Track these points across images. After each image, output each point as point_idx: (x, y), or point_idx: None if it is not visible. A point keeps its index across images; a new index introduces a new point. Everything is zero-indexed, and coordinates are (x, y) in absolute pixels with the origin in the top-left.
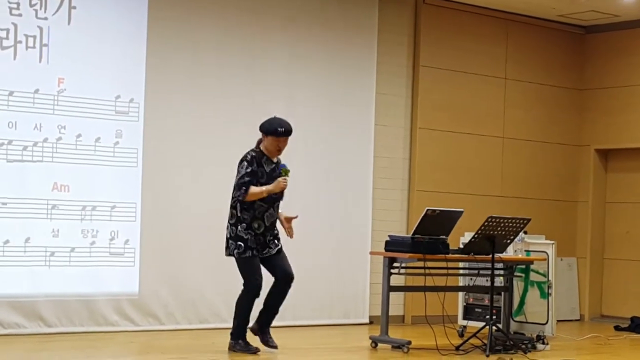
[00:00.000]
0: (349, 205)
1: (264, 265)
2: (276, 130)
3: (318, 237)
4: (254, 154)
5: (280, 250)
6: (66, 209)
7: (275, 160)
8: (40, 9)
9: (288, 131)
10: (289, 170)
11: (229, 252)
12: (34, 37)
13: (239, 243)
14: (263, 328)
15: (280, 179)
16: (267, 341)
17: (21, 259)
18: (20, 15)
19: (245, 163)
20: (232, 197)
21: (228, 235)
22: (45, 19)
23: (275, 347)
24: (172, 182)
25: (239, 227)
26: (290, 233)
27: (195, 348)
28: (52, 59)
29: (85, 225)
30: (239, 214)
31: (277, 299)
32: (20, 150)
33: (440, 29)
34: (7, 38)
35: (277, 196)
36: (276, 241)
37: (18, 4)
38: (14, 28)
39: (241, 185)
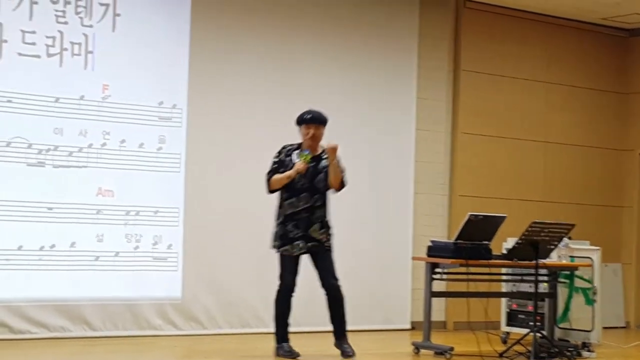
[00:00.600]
0: (390, 211)
1: (313, 264)
2: (302, 117)
3: (359, 242)
4: (288, 145)
5: (317, 257)
6: (110, 214)
7: (315, 153)
8: (86, 16)
9: (315, 118)
10: (308, 155)
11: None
12: (80, 44)
13: (273, 237)
14: (336, 336)
15: (297, 162)
16: (340, 347)
17: (66, 263)
18: (66, 23)
19: (275, 154)
20: None
21: None
22: (91, 26)
23: (349, 355)
24: (215, 187)
25: (276, 221)
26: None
27: (238, 352)
28: (97, 65)
29: (129, 230)
30: (277, 209)
31: (333, 310)
32: (66, 155)
33: (481, 32)
34: (53, 45)
35: (303, 186)
36: (301, 243)
37: (64, 12)
38: (60, 36)
39: (268, 172)
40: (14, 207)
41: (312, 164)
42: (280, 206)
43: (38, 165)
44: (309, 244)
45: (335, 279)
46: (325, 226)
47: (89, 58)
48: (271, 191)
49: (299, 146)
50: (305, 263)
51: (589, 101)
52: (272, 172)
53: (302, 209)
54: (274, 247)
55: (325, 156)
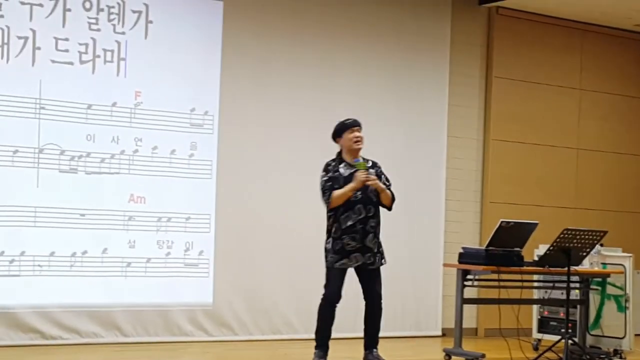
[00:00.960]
0: (421, 217)
1: (359, 280)
2: (344, 123)
3: (391, 248)
4: (330, 161)
5: (368, 270)
6: (142, 220)
7: (358, 159)
8: (118, 23)
9: (356, 120)
10: (364, 163)
11: None
12: (112, 51)
13: (325, 253)
14: (369, 347)
15: (357, 173)
16: (370, 355)
17: (98, 269)
18: (99, 30)
19: (323, 173)
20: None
21: None
22: (123, 33)
23: None
24: (246, 194)
25: (331, 236)
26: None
27: (269, 359)
28: (129, 72)
29: (160, 236)
30: (327, 224)
31: (369, 320)
32: (98, 162)
33: (514, 39)
34: (86, 52)
35: (357, 198)
36: (359, 255)
37: (97, 19)
38: (93, 43)
39: (324, 192)
40: (46, 213)
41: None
42: (335, 221)
43: (70, 171)
44: (365, 256)
45: (380, 293)
46: (376, 236)
47: (121, 65)
48: (332, 208)
49: (340, 159)
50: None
51: (621, 108)
52: (328, 190)
53: (357, 221)
54: (331, 262)
55: (370, 164)
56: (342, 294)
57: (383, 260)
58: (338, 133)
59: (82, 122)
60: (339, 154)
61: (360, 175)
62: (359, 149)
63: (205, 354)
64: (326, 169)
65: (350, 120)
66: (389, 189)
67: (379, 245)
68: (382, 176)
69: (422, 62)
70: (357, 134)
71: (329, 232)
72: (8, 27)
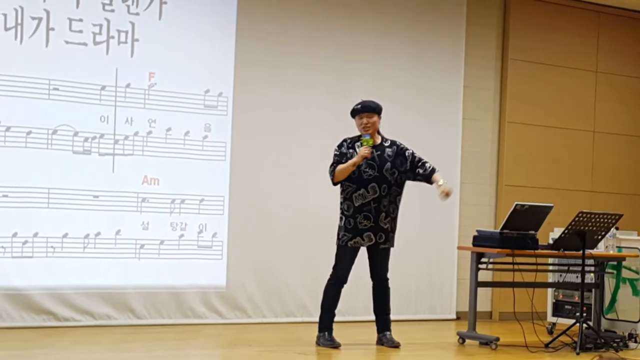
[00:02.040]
0: (436, 200)
1: (368, 258)
2: (354, 109)
3: (404, 231)
4: (348, 138)
5: (379, 250)
6: (156, 202)
7: (377, 141)
8: (132, 4)
9: (365, 106)
10: (370, 140)
11: None
12: (126, 32)
13: (338, 231)
14: (382, 329)
15: (361, 148)
16: (384, 338)
17: (112, 251)
18: (112, 11)
19: (336, 147)
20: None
21: None
22: (137, 14)
23: (395, 345)
24: (260, 176)
25: (344, 214)
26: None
27: (282, 341)
28: (143, 53)
29: (174, 218)
30: (340, 203)
31: (379, 304)
32: (112, 143)
33: (530, 21)
34: (100, 33)
35: (370, 177)
36: (372, 234)
37: (111, 0)
38: (107, 24)
39: (331, 165)
40: (59, 194)
41: (377, 152)
42: (348, 199)
43: (84, 153)
44: (377, 235)
45: (386, 274)
46: (389, 215)
47: (135, 46)
48: (336, 183)
49: (358, 138)
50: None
51: (638, 90)
52: (335, 165)
53: (370, 200)
54: (343, 240)
55: (388, 143)
56: (349, 276)
57: (392, 235)
58: (352, 115)
59: (95, 104)
60: (359, 135)
61: (362, 150)
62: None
63: (218, 336)
64: (340, 146)
65: (359, 106)
66: (415, 156)
67: (394, 225)
68: (407, 152)
69: (438, 44)
70: (365, 120)
71: (341, 209)
72: (22, 7)
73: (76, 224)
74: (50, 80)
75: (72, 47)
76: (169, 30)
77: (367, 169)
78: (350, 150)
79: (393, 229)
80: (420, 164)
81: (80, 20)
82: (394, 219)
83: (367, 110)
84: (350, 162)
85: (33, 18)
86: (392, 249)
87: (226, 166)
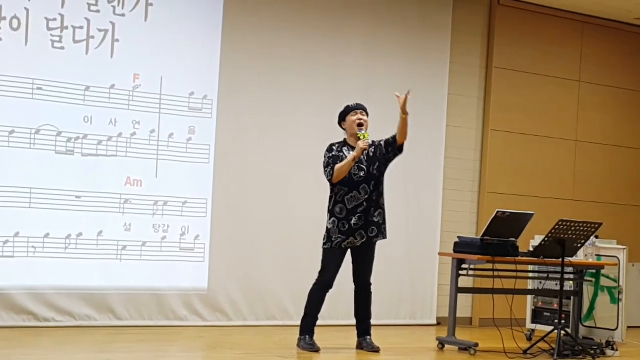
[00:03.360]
0: (418, 206)
1: (353, 262)
2: (348, 106)
3: (387, 236)
4: (334, 143)
5: (367, 250)
6: (138, 204)
7: (362, 130)
8: (118, 5)
9: (360, 105)
10: (366, 133)
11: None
12: (111, 33)
13: (325, 233)
14: (362, 334)
15: (359, 142)
16: (364, 342)
17: (94, 252)
18: (98, 11)
19: (326, 152)
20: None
21: None
22: (123, 15)
23: (375, 349)
24: (244, 179)
25: (328, 217)
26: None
27: (263, 345)
28: (128, 55)
29: (156, 220)
30: (328, 205)
31: (360, 309)
32: (95, 144)
33: (515, 30)
34: (85, 33)
35: (361, 178)
36: (363, 232)
37: (97, 0)
38: (92, 23)
39: (327, 167)
40: (41, 195)
41: (363, 156)
42: (340, 202)
43: (67, 153)
44: (369, 230)
45: (370, 278)
46: (380, 207)
47: (120, 47)
48: (335, 182)
49: (345, 142)
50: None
51: (621, 100)
52: (331, 165)
53: (363, 200)
54: (336, 243)
55: (370, 142)
56: (335, 279)
57: (383, 227)
58: (342, 117)
59: (79, 104)
60: (344, 140)
61: (362, 144)
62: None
63: (199, 338)
64: (330, 149)
65: (354, 104)
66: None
67: (384, 217)
68: (380, 142)
69: (423, 51)
70: (359, 116)
71: (330, 212)
72: (1, 5)
73: (58, 224)
74: (33, 79)
75: (56, 47)
76: (154, 31)
77: (358, 172)
78: (341, 154)
79: (384, 220)
80: (386, 140)
81: (65, 19)
82: (384, 210)
83: (361, 108)
84: (349, 157)
85: (14, 17)
86: (375, 253)
87: (210, 169)
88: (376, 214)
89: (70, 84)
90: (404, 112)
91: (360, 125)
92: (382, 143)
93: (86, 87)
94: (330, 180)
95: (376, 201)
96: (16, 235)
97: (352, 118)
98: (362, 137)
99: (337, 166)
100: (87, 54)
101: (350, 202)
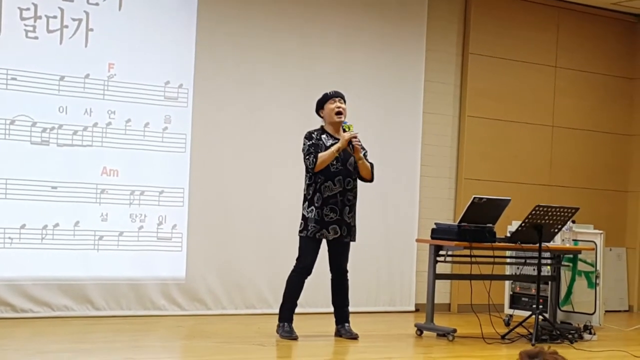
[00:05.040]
0: (396, 193)
1: (328, 251)
2: (326, 94)
3: (365, 224)
4: (312, 130)
5: (342, 243)
6: (115, 194)
7: (338, 135)
8: None
9: (338, 92)
10: (351, 125)
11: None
12: (85, 22)
13: (301, 221)
14: (340, 322)
15: (344, 133)
16: (342, 330)
17: (70, 242)
18: (72, 1)
19: (305, 140)
20: (305, 175)
21: None
22: (97, 4)
23: (354, 337)
24: (220, 168)
25: (304, 205)
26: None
27: (241, 333)
28: (102, 44)
29: (133, 209)
30: (304, 192)
31: (338, 296)
32: (71, 134)
33: (490, 16)
34: (57, 22)
35: (337, 169)
36: (337, 227)
37: None
38: (65, 13)
39: (309, 155)
40: (17, 185)
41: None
42: (317, 190)
43: (42, 143)
44: (342, 229)
45: (346, 266)
46: (352, 209)
47: (94, 36)
48: (316, 171)
49: (323, 130)
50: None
51: (597, 86)
52: (313, 153)
53: (337, 192)
54: (310, 231)
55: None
56: (314, 266)
57: (354, 230)
58: (321, 104)
59: (54, 94)
60: (322, 127)
61: (348, 135)
62: (340, 121)
63: (177, 327)
64: (309, 136)
65: (332, 91)
66: (366, 158)
67: (355, 220)
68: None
69: (399, 38)
70: (338, 104)
71: (309, 200)
72: None
73: (34, 215)
74: (7, 69)
75: (29, 37)
76: (128, 21)
77: (334, 162)
78: (320, 142)
79: (355, 224)
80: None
81: (37, 8)
82: (355, 214)
83: (339, 95)
84: (333, 148)
85: None
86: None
87: (186, 158)
88: (350, 215)
89: (45, 73)
90: (357, 157)
91: (339, 113)
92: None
93: (61, 77)
94: (312, 169)
95: (351, 201)
96: None
97: (331, 106)
98: (347, 129)
99: (320, 155)
100: (61, 44)
101: (324, 191)
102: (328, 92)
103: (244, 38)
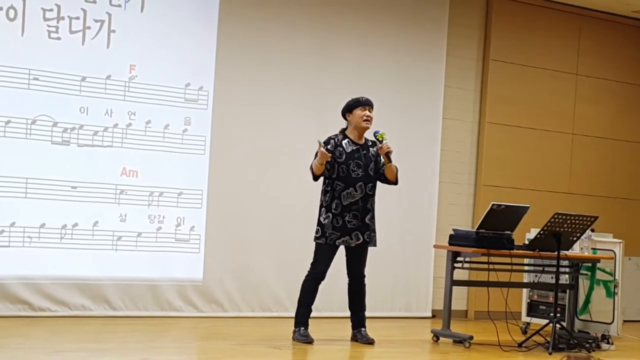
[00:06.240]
0: (414, 198)
1: (346, 256)
2: (359, 100)
3: (383, 229)
4: (333, 135)
5: (362, 249)
6: (134, 194)
7: (362, 141)
8: None
9: (369, 100)
10: (384, 133)
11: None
12: (107, 23)
13: (317, 227)
14: (357, 326)
15: (381, 145)
16: (359, 334)
17: (89, 242)
18: (94, 2)
19: (323, 142)
20: (323, 182)
21: None
22: (119, 6)
23: (370, 341)
24: (239, 170)
25: (320, 211)
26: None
27: (257, 336)
28: (124, 45)
29: (152, 210)
30: (321, 198)
31: (354, 300)
32: (91, 135)
33: (512, 22)
34: (81, 24)
35: (358, 176)
36: (359, 233)
37: None
38: (83, 14)
39: (310, 167)
40: (37, 185)
41: (363, 152)
42: (337, 197)
43: (63, 143)
44: (365, 234)
45: (364, 270)
46: (373, 215)
47: (116, 38)
48: (330, 184)
49: (344, 135)
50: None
51: (617, 94)
52: (311, 166)
53: (359, 198)
54: (328, 238)
55: (370, 144)
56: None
57: (374, 234)
58: (350, 108)
59: (75, 95)
60: (343, 130)
61: (384, 146)
62: (367, 127)
63: (193, 329)
64: (327, 142)
65: (364, 98)
66: (391, 159)
67: (375, 225)
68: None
69: (420, 44)
70: (368, 112)
71: (326, 207)
72: None
73: (54, 214)
74: (30, 70)
75: (52, 37)
76: (150, 23)
77: (356, 169)
78: (339, 148)
79: (375, 229)
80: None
81: (60, 9)
82: (374, 218)
83: (370, 104)
84: (318, 161)
85: (10, 7)
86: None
87: (205, 160)
88: (371, 220)
89: (67, 74)
90: (386, 161)
91: (367, 121)
92: (381, 159)
93: (82, 78)
94: (316, 178)
95: (371, 206)
96: (12, 225)
97: (361, 113)
98: (380, 138)
99: (314, 166)
100: (84, 45)
101: (346, 198)
102: (360, 97)
103: (264, 41)
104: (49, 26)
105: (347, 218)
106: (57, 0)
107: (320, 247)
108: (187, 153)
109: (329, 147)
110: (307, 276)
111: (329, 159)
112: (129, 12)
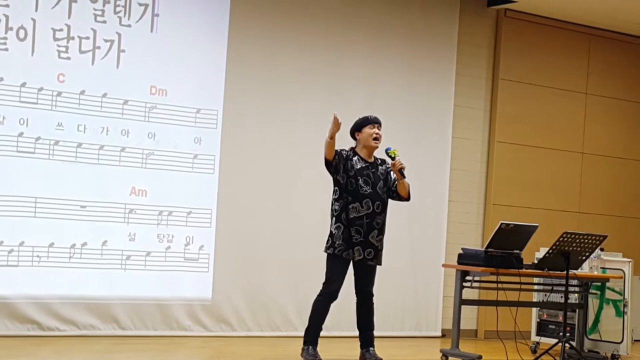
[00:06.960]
0: (424, 217)
1: (354, 273)
2: (367, 118)
3: (392, 247)
4: (343, 150)
5: (366, 265)
6: (143, 214)
7: (371, 159)
8: (124, 16)
9: (377, 118)
10: (396, 150)
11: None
12: (117, 43)
13: (328, 238)
14: (366, 345)
15: (394, 162)
16: (367, 354)
17: (98, 261)
18: (104, 22)
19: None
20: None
21: None
22: (129, 26)
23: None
24: (248, 190)
25: (332, 221)
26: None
27: (266, 355)
28: (134, 65)
29: (161, 230)
30: (331, 208)
31: (363, 319)
32: (100, 154)
33: (521, 41)
34: (90, 44)
35: (366, 192)
36: (361, 249)
37: (103, 11)
38: (93, 34)
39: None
40: (46, 204)
41: (372, 170)
42: (342, 210)
43: (71, 161)
44: (366, 251)
45: (372, 288)
46: (381, 233)
47: (123, 58)
48: (341, 195)
49: (354, 152)
50: None
51: (627, 113)
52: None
53: (363, 214)
54: (337, 249)
55: (380, 162)
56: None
57: (380, 254)
58: (358, 127)
59: (96, 115)
60: (353, 148)
61: (397, 163)
62: (376, 146)
63: (202, 348)
64: (339, 152)
65: (373, 116)
66: (404, 175)
67: (382, 244)
68: (393, 175)
69: (429, 62)
70: (377, 130)
71: (337, 217)
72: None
73: (63, 233)
74: (39, 89)
75: (60, 57)
76: (160, 42)
77: (364, 185)
78: (349, 162)
79: (382, 248)
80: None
81: (71, 29)
82: (383, 237)
83: (379, 122)
84: (328, 135)
85: (21, 27)
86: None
87: (215, 179)
88: (377, 238)
89: (76, 93)
90: (399, 177)
91: (376, 139)
92: (391, 176)
93: (103, 94)
94: (328, 165)
95: (380, 225)
96: (21, 244)
97: (370, 131)
98: (392, 155)
99: (325, 142)
100: (93, 64)
101: (351, 212)
102: (369, 115)
103: (274, 61)
104: (58, 46)
105: (351, 232)
106: (67, 20)
107: (331, 260)
108: (197, 172)
109: (343, 153)
110: (319, 295)
111: (339, 130)
112: (139, 32)
